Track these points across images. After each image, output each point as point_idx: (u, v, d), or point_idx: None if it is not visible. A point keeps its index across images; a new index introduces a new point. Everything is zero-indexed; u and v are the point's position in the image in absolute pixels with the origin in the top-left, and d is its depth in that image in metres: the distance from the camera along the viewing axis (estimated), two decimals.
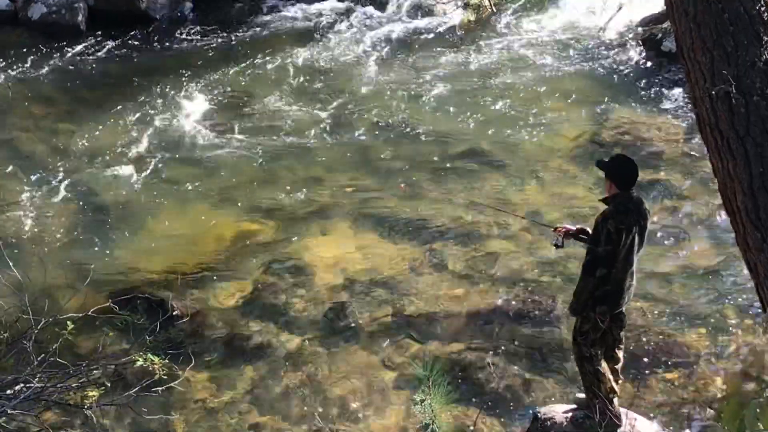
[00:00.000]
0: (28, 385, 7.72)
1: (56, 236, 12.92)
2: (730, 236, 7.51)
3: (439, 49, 17.57)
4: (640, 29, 17.63)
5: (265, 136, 15.03)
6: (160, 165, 14.37)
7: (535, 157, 14.32)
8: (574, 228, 9.11)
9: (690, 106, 13.43)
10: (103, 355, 9.14)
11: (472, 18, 18.40)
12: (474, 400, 10.22)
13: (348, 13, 19.02)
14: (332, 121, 15.38)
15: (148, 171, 14.21)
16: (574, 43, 17.58)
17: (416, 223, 13.00)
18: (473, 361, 10.79)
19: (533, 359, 10.80)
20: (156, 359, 7.95)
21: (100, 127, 15.22)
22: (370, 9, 19.14)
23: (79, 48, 17.56)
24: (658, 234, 12.39)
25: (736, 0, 6.94)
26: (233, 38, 18.18)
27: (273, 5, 19.43)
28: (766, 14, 6.97)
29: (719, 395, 10.10)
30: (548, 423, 9.35)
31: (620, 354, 9.04)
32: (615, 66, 16.75)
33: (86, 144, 14.80)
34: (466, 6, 18.24)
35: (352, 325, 11.45)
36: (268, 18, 18.89)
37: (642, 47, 17.12)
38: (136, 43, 17.91)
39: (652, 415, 9.85)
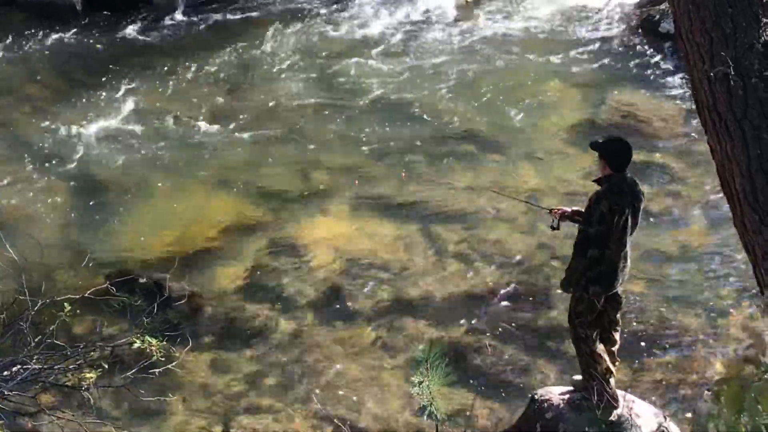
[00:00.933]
0: (25, 367, 7.72)
1: (53, 218, 12.91)
2: (728, 218, 7.51)
3: (435, 30, 17.51)
4: (637, 10, 17.58)
5: (262, 118, 15.00)
6: (156, 147, 14.33)
7: (532, 139, 14.31)
8: (569, 210, 9.10)
9: (688, 87, 13.46)
10: (101, 337, 9.16)
11: None
12: (472, 382, 10.25)
13: None
14: (329, 103, 15.33)
15: (144, 153, 14.18)
16: (572, 25, 17.52)
17: (414, 205, 12.99)
18: (471, 343, 10.81)
19: (530, 341, 10.82)
20: (153, 341, 7.95)
21: (96, 109, 15.18)
22: None
23: (74, 29, 17.48)
24: (655, 216, 12.39)
25: None
26: (230, 20, 18.10)
27: None
28: None
29: (717, 377, 10.10)
30: (545, 405, 9.36)
31: (617, 336, 9.04)
32: (612, 48, 16.71)
33: (82, 125, 14.76)
34: None
35: (350, 307, 11.46)
36: (265, 1, 18.83)
37: (639, 29, 17.07)
38: (132, 24, 17.82)
39: (649, 396, 9.87)
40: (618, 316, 8.98)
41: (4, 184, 13.49)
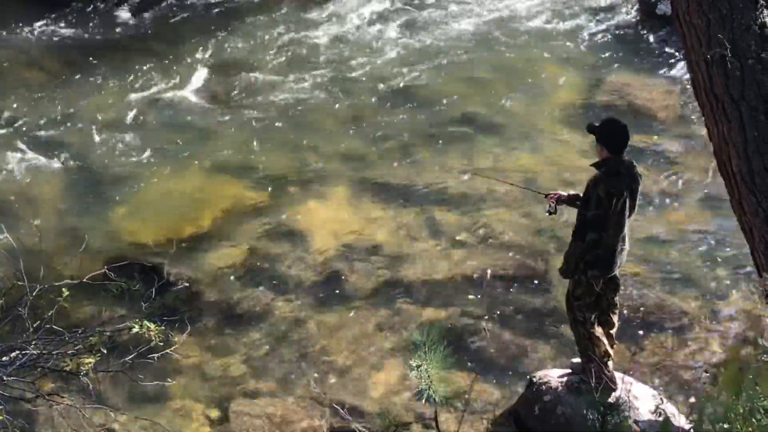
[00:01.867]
0: (23, 352, 7.71)
1: (51, 203, 12.92)
2: (725, 200, 7.51)
3: (431, 13, 17.47)
4: None
5: (260, 102, 14.98)
6: (154, 131, 14.33)
7: (528, 121, 14.30)
8: (566, 194, 9.08)
9: (685, 69, 13.44)
10: (99, 322, 9.13)
11: None
12: (470, 365, 10.24)
13: None
14: (325, 88, 15.31)
15: (143, 137, 14.17)
16: (568, 6, 17.48)
17: (411, 188, 12.99)
18: (469, 326, 10.82)
19: (528, 324, 10.83)
20: (152, 326, 7.94)
21: (93, 94, 15.17)
22: None
23: (69, 15, 17.45)
24: (653, 198, 12.40)
25: None
26: (223, 4, 18.06)
27: None
28: None
29: (714, 359, 10.14)
30: (543, 387, 9.38)
31: (615, 318, 9.05)
32: (609, 29, 16.68)
33: (79, 110, 14.75)
34: None
35: (348, 291, 11.47)
36: None
37: (637, 11, 17.04)
38: (128, 8, 17.78)
39: (647, 379, 9.89)
40: (616, 299, 8.99)
41: (1, 168, 13.47)
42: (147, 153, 13.84)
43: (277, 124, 14.44)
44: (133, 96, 15.10)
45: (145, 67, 15.81)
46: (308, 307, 11.27)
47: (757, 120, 6.87)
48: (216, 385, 10.43)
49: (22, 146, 13.94)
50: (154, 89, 15.27)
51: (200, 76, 15.66)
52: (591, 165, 8.65)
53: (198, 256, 11.96)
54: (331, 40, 16.60)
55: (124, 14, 17.60)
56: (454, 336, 10.52)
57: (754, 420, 5.17)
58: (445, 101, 14.84)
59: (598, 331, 8.90)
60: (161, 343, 8.11)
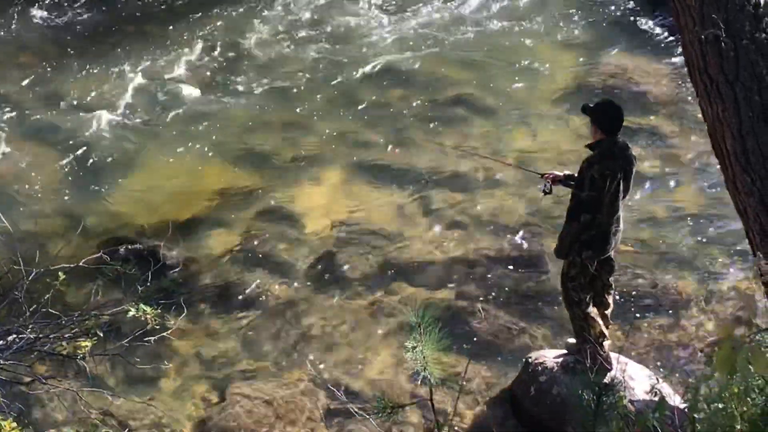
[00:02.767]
0: (20, 336, 7.73)
1: (47, 187, 12.90)
2: (720, 180, 7.53)
3: None
4: None
5: (253, 85, 14.96)
6: (148, 115, 14.32)
7: (523, 102, 14.30)
8: (561, 174, 9.09)
9: (679, 51, 13.44)
10: (95, 306, 9.13)
11: None
12: (465, 346, 10.26)
13: None
14: (321, 70, 15.30)
15: (137, 121, 14.17)
16: None
17: (406, 170, 13.00)
18: (464, 307, 10.84)
19: (523, 305, 10.85)
20: (148, 309, 7.96)
21: (89, 78, 15.14)
22: None
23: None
24: (647, 179, 12.41)
25: None
26: None
27: None
28: None
29: (709, 339, 10.15)
30: (539, 368, 9.41)
31: (610, 299, 9.08)
32: (603, 10, 16.65)
33: (75, 94, 14.74)
34: None
35: (344, 273, 11.49)
36: None
37: None
38: None
39: (642, 359, 9.92)
40: (611, 279, 9.01)
41: None
42: (142, 137, 13.84)
43: (271, 106, 14.43)
44: (127, 80, 15.07)
45: (138, 51, 15.77)
46: (304, 289, 11.28)
47: (751, 100, 6.88)
48: (213, 368, 10.45)
49: (17, 130, 13.92)
50: (148, 73, 15.24)
51: (194, 58, 15.62)
52: (585, 146, 8.66)
53: (193, 239, 11.97)
54: (326, 22, 16.56)
55: None
56: (449, 317, 10.56)
57: (748, 399, 5.19)
58: (440, 83, 14.83)
59: (593, 311, 8.93)
60: (157, 327, 8.13)
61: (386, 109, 14.27)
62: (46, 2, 17.15)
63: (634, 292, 10.87)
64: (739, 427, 5.05)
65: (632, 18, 16.35)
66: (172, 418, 9.92)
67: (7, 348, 7.65)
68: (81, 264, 8.50)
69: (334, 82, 14.95)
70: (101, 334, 7.98)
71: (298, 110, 14.32)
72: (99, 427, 8.39)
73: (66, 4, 17.18)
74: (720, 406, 5.22)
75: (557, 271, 9.76)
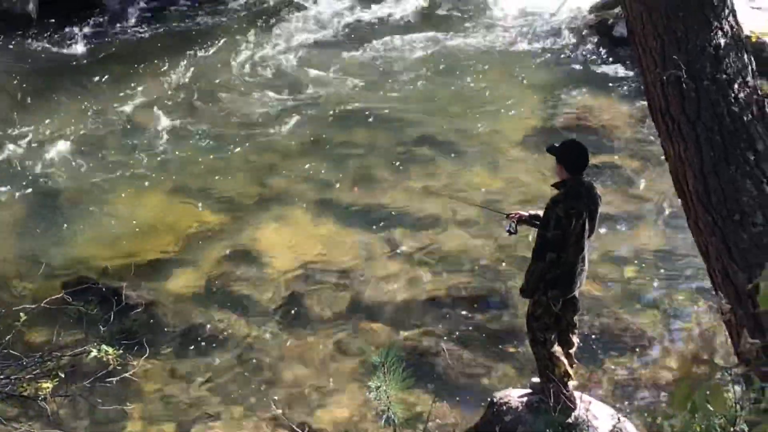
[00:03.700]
0: None
1: (9, 226, 12.83)
2: (683, 220, 7.56)
3: (392, 35, 17.53)
4: (592, 15, 17.68)
5: (218, 124, 14.97)
6: (112, 153, 14.27)
7: (489, 142, 14.36)
8: (526, 214, 9.13)
9: (642, 91, 13.55)
10: (57, 346, 9.05)
11: (425, 4, 18.42)
12: (429, 386, 10.24)
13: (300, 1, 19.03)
14: (286, 108, 15.33)
15: (101, 159, 14.12)
16: (527, 29, 17.62)
17: (372, 209, 13.00)
18: (429, 346, 10.82)
19: (488, 344, 10.84)
20: (110, 350, 7.89)
21: (53, 115, 15.10)
22: None
23: (30, 36, 17.40)
24: (611, 218, 12.46)
25: None
26: (185, 26, 18.07)
27: None
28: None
29: (672, 378, 10.18)
30: (504, 408, 9.38)
31: (574, 338, 9.09)
32: (568, 51, 16.81)
33: (39, 131, 14.67)
34: None
35: (309, 312, 11.45)
36: (221, 7, 18.78)
37: (594, 33, 17.18)
38: (87, 30, 17.75)
39: (606, 397, 9.92)
40: (576, 319, 9.02)
41: None
42: (106, 176, 13.78)
43: (235, 147, 14.41)
44: (93, 118, 15.05)
45: (104, 89, 15.77)
46: (270, 329, 11.23)
47: (712, 140, 6.92)
48: (177, 409, 10.37)
49: None
50: (111, 111, 15.21)
51: (161, 98, 15.61)
52: (551, 185, 8.70)
53: (158, 279, 11.90)
54: (290, 62, 16.61)
55: (82, 36, 17.54)
56: (414, 357, 10.54)
57: None
58: (406, 123, 14.88)
59: (558, 351, 8.93)
60: (119, 367, 8.07)
61: (351, 149, 14.30)
62: (10, 41, 17.13)
63: (598, 331, 10.88)
64: None
65: (595, 59, 16.50)
66: None
67: None
68: (43, 304, 8.43)
69: (300, 122, 14.97)
70: (63, 375, 7.90)
71: (264, 150, 14.32)
72: None
73: (28, 42, 17.17)
74: None
75: (522, 309, 9.77)
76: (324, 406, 10.27)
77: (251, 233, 12.65)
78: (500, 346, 10.82)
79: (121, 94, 15.65)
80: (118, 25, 17.96)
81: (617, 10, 16.35)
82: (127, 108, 15.31)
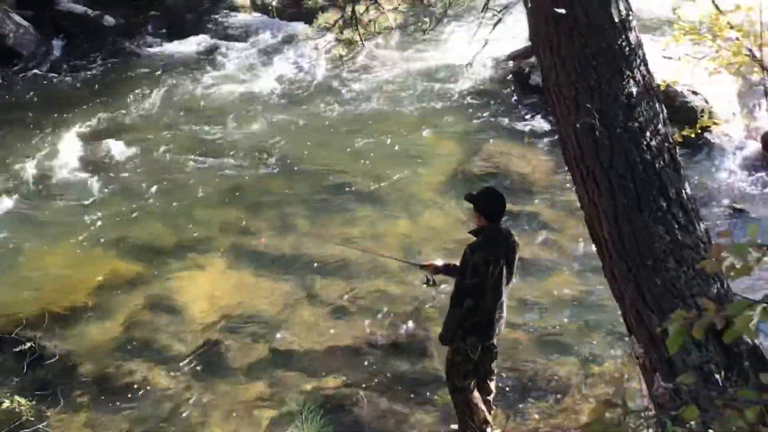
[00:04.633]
0: None
1: None
2: (598, 266, 7.65)
3: (311, 84, 17.61)
4: (509, 63, 17.89)
5: (135, 173, 14.88)
6: (25, 203, 14.11)
7: (407, 189, 14.42)
8: (440, 265, 9.19)
9: (557, 138, 13.72)
10: None
11: (344, 52, 18.45)
12: None
13: (219, 49, 19.07)
14: (204, 156, 15.29)
15: (13, 209, 13.94)
16: (444, 78, 17.79)
17: (290, 258, 12.97)
18: (348, 395, 10.76)
19: (408, 392, 10.81)
20: (23, 401, 7.79)
21: None
22: (240, 44, 19.28)
23: None
24: (529, 265, 12.55)
25: (597, 35, 7.08)
26: (103, 74, 18.01)
27: (145, 42, 19.37)
28: (626, 49, 7.13)
29: (585, 422, 10.24)
30: None
31: (492, 385, 9.13)
32: (485, 100, 16.97)
33: None
34: (337, 41, 18.31)
35: (228, 361, 11.35)
36: (139, 55, 18.77)
37: (511, 81, 17.40)
38: (1, 80, 17.58)
39: None
40: (493, 365, 9.07)
41: None
42: (18, 226, 13.61)
43: (153, 194, 14.33)
44: (3, 168, 14.86)
45: (14, 139, 15.60)
46: (187, 379, 11.10)
47: (625, 187, 7.02)
48: None
49: None
50: (23, 160, 15.05)
51: (73, 146, 15.51)
52: (469, 232, 8.77)
53: (73, 329, 11.73)
54: (207, 111, 16.61)
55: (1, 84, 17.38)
56: (333, 405, 10.46)
57: None
58: (324, 172, 14.91)
59: (476, 397, 8.96)
60: (32, 419, 7.95)
61: (270, 197, 14.28)
62: None
63: (516, 377, 10.91)
64: None
65: (512, 106, 16.69)
66: None
67: None
68: None
69: (218, 169, 14.94)
70: None
71: (180, 198, 14.25)
72: None
73: None
74: None
75: (441, 356, 9.79)
76: None
77: (168, 282, 12.54)
78: (420, 394, 10.80)
79: (33, 144, 15.51)
80: (34, 74, 17.85)
81: (533, 59, 16.56)
82: (39, 157, 15.16)
